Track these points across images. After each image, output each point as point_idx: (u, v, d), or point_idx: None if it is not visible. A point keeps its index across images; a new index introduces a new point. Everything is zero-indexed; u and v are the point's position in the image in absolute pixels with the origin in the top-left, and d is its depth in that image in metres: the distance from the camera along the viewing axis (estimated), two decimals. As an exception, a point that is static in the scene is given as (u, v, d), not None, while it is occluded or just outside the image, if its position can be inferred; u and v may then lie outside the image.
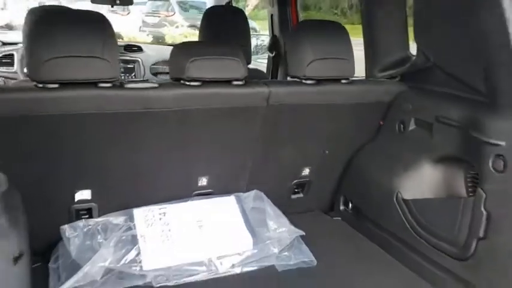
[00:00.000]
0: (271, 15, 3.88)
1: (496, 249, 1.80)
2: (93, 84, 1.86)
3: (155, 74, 4.15)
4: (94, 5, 3.78)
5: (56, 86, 1.81)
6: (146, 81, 2.04)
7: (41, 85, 1.81)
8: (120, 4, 4.47)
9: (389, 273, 2.17)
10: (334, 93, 2.33)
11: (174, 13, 16.27)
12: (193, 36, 13.26)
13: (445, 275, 2.00)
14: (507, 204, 1.75)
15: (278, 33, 3.85)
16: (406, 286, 2.09)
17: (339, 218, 2.68)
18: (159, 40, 11.74)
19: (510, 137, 1.72)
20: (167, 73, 3.99)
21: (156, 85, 2.00)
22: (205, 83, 2.06)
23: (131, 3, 4.63)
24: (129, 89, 1.94)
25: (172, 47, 2.22)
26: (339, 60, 2.28)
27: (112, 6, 4.42)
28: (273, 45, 3.91)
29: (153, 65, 4.20)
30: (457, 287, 1.94)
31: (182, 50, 2.20)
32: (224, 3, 4.25)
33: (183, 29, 14.86)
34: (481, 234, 1.83)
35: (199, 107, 2.09)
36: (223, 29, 3.02)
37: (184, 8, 16.64)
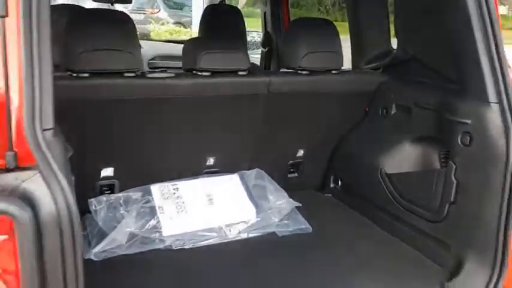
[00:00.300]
0: (264, 13, 4.19)
1: (464, 211, 2.13)
2: (119, 74, 2.15)
3: (153, 69, 4.41)
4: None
5: (87, 75, 2.10)
6: (165, 71, 2.35)
7: (74, 74, 2.09)
8: (118, 2, 4.73)
9: (374, 238, 2.50)
10: (325, 83, 2.65)
11: (159, 10, 16.45)
12: (179, 33, 13.48)
13: (423, 237, 2.33)
14: (473, 172, 2.09)
15: (271, 30, 4.16)
16: (390, 248, 2.41)
17: (330, 195, 3.01)
18: (144, 37, 11.94)
19: (475, 116, 2.05)
20: (166, 68, 4.28)
21: (172, 75, 2.29)
22: (214, 73, 2.36)
23: (130, 1, 4.89)
24: (150, 78, 2.23)
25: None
26: (329, 53, 2.59)
27: (112, 5, 4.68)
28: (266, 41, 4.22)
29: (150, 60, 4.46)
30: (434, 247, 2.28)
31: (194, 44, 2.49)
32: (218, 2, 4.55)
33: (169, 26, 15.05)
34: (452, 199, 2.16)
35: (209, 94, 2.39)
36: (222, 27, 3.33)
37: (169, 4, 16.83)
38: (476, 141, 2.04)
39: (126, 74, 2.16)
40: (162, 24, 15.37)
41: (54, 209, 1.19)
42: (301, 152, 2.89)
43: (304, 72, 2.56)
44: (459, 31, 2.08)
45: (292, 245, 2.40)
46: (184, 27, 14.65)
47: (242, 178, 2.65)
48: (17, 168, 1.21)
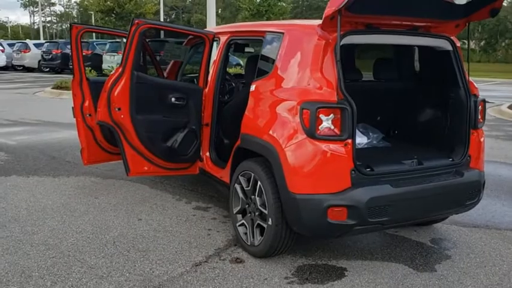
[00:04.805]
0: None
1: (452, 130, 5.66)
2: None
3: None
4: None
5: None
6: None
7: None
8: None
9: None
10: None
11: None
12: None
13: (435, 143, 5.83)
14: (455, 117, 5.61)
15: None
16: (422, 147, 5.90)
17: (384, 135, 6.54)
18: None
19: (455, 95, 5.58)
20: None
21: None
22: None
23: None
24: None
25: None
26: None
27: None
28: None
29: None
30: (440, 146, 5.76)
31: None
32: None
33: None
34: (449, 124, 5.69)
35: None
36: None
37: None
38: (455, 104, 5.56)
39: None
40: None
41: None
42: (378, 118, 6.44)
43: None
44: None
45: (385, 148, 5.92)
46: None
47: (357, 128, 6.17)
48: (339, 102, 4.67)
